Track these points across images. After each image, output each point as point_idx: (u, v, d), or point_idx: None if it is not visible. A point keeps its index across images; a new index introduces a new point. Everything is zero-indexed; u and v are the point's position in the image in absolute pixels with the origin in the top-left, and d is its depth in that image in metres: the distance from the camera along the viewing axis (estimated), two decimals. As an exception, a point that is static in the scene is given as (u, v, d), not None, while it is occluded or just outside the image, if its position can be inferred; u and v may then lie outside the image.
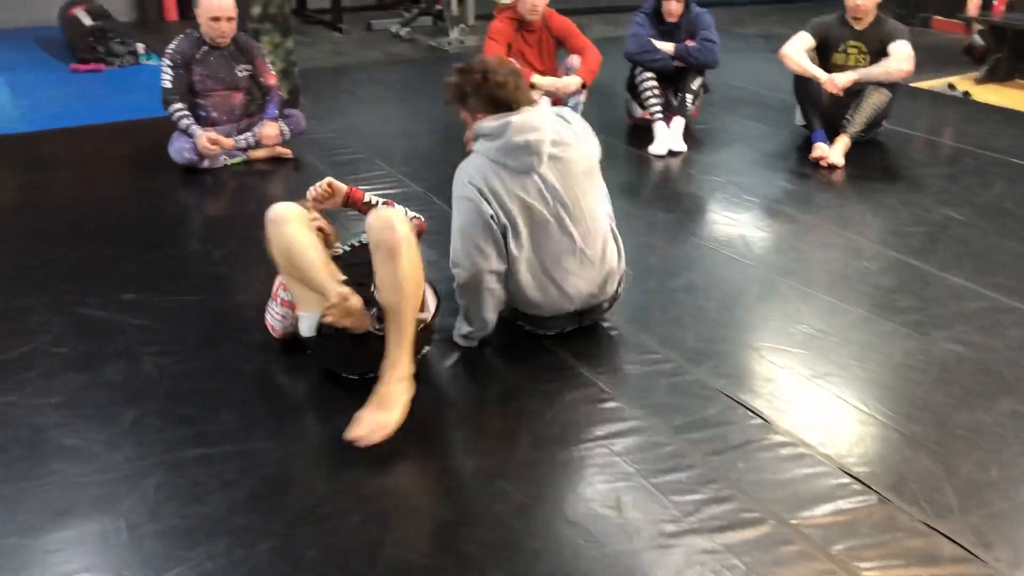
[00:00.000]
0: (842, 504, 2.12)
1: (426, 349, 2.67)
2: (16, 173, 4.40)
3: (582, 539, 2.00)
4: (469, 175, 2.57)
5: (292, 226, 2.48)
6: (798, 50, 4.60)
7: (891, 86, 4.56)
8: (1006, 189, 4.22)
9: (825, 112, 4.63)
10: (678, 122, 4.74)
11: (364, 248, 2.63)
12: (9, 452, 2.27)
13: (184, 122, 4.23)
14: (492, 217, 2.54)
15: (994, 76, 6.46)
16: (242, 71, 4.39)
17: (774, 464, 2.26)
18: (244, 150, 4.43)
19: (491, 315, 2.69)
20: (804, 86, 4.65)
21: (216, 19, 4.22)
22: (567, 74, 4.53)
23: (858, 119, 4.52)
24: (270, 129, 4.41)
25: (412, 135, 5.01)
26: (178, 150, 4.26)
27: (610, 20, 8.74)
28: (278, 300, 2.69)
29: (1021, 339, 2.86)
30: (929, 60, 6.59)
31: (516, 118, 2.55)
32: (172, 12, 8.48)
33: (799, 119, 4.88)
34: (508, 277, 2.65)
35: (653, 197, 4.28)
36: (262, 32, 5.13)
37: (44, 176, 4.36)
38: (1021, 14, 6.80)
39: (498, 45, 4.49)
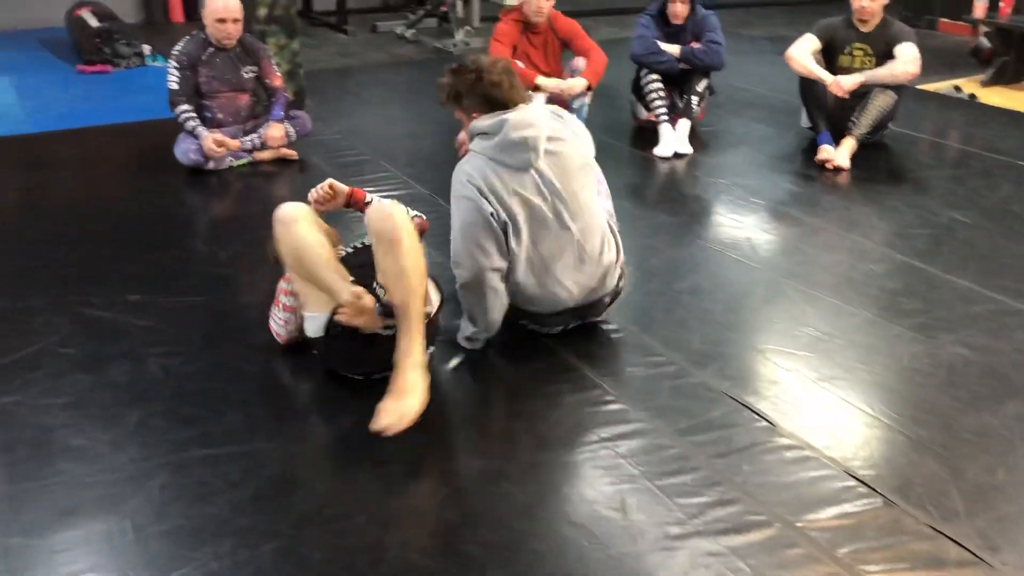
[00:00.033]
0: (847, 507, 2.11)
1: (431, 349, 2.67)
2: (22, 174, 4.41)
3: (586, 541, 2.00)
4: (468, 174, 2.58)
5: (301, 226, 2.49)
6: (804, 52, 4.59)
7: (897, 88, 4.56)
8: (1012, 191, 4.21)
9: (831, 114, 4.62)
10: (683, 124, 4.74)
11: (367, 249, 2.63)
12: (15, 452, 2.27)
13: (190, 124, 4.24)
14: (492, 215, 2.55)
15: (1000, 78, 6.45)
16: (248, 73, 4.40)
17: (779, 467, 2.25)
18: (250, 151, 4.43)
19: (495, 314, 2.69)
20: (810, 88, 4.65)
21: (222, 21, 4.23)
22: (572, 76, 4.53)
23: (864, 121, 4.51)
24: (276, 131, 4.42)
25: (417, 137, 5.01)
26: (184, 151, 4.27)
27: (616, 22, 8.74)
28: (280, 306, 2.70)
29: (1027, 342, 2.86)
30: (935, 62, 6.58)
31: (512, 115, 2.56)
32: (178, 14, 8.50)
33: (805, 121, 4.87)
34: (508, 274, 2.65)
35: (658, 199, 4.28)
36: (268, 34, 5.14)
37: (50, 177, 4.37)
38: (1028, 16, 6.79)
39: (503, 47, 4.49)
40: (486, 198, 2.55)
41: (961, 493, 2.16)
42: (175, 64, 4.26)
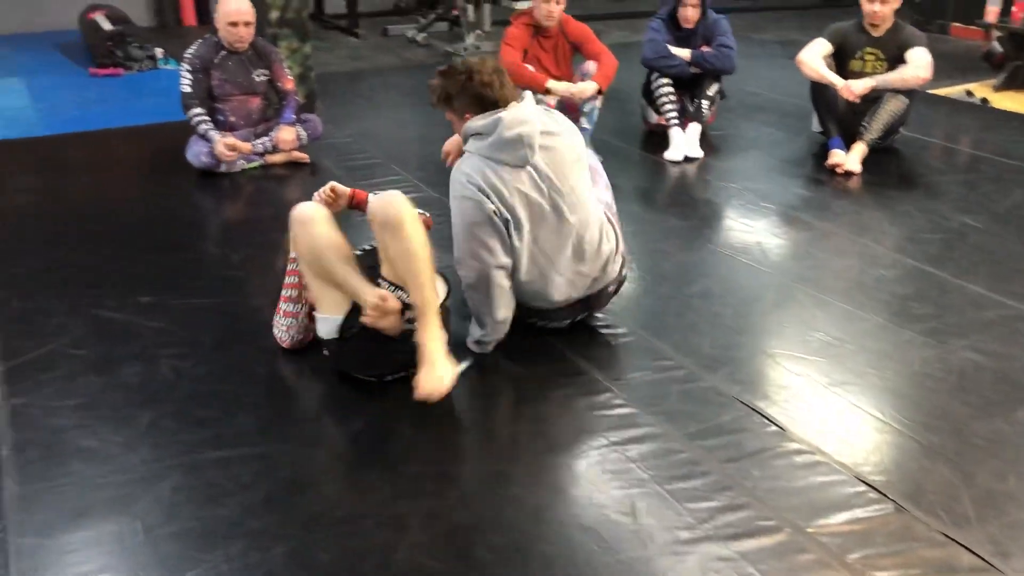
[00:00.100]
0: (858, 512, 2.10)
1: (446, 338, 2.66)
2: (35, 176, 4.44)
3: (596, 545, 2.00)
4: (466, 174, 2.59)
5: (320, 226, 2.51)
6: (815, 56, 4.59)
7: (908, 93, 4.54)
8: (1025, 197, 4.20)
9: (842, 119, 4.61)
10: (694, 128, 4.73)
11: (375, 252, 2.64)
12: (27, 453, 2.28)
13: (203, 127, 4.26)
14: (495, 212, 2.56)
15: (1013, 83, 6.42)
16: (260, 76, 4.42)
17: (789, 472, 2.25)
18: (261, 154, 4.45)
19: (502, 313, 2.69)
20: (821, 92, 4.64)
21: (234, 24, 4.25)
22: (583, 80, 4.53)
23: (875, 126, 4.50)
24: (287, 134, 4.44)
25: (428, 140, 5.01)
26: (195, 154, 4.29)
27: (627, 26, 8.74)
28: (282, 312, 2.71)
29: (1040, 348, 2.84)
30: (947, 67, 6.55)
31: (506, 114, 2.58)
32: (190, 17, 8.55)
33: (816, 126, 4.86)
34: (512, 272, 2.67)
35: (669, 203, 4.28)
36: (280, 37, 5.17)
37: (63, 179, 4.40)
38: (1040, 21, 6.76)
39: (514, 51, 4.50)
40: (487, 196, 2.56)
41: (972, 499, 2.15)
42: (188, 67, 4.28)
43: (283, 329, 2.73)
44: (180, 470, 2.22)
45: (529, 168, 2.60)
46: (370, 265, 2.58)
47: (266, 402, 2.54)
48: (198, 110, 4.26)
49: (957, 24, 8.46)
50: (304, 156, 4.56)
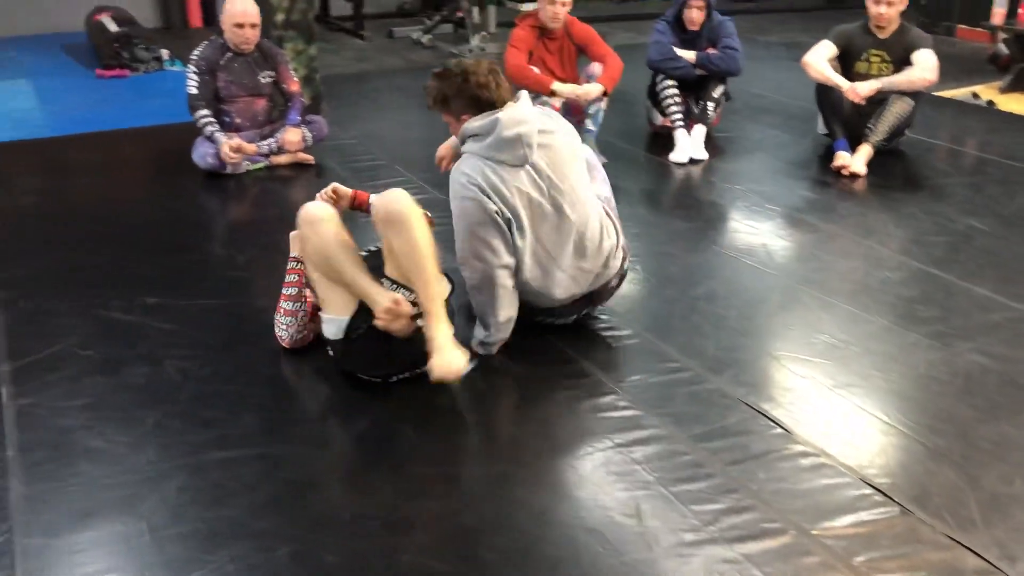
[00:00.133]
0: (863, 515, 2.10)
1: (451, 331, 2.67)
2: (42, 177, 4.45)
3: (600, 547, 2.00)
4: (467, 175, 2.60)
5: (328, 226, 2.52)
6: (820, 58, 4.58)
7: (914, 95, 4.54)
8: (1031, 199, 4.19)
9: (847, 121, 4.60)
10: (699, 130, 4.73)
11: (380, 253, 2.65)
12: (34, 453, 2.29)
13: (209, 129, 4.27)
14: (497, 212, 2.57)
15: (1019, 85, 6.40)
16: (265, 77, 4.43)
17: (795, 474, 2.25)
18: (266, 156, 4.46)
19: (506, 313, 2.69)
20: (826, 94, 4.63)
21: (240, 25, 4.26)
22: (588, 81, 4.53)
23: (880, 128, 4.49)
24: (292, 135, 4.45)
25: (432, 141, 4.95)
26: (201, 155, 4.30)
27: (632, 27, 8.74)
28: (282, 311, 2.72)
29: (1046, 351, 2.84)
30: (953, 69, 6.55)
31: (504, 114, 2.59)
32: (196, 18, 8.57)
33: (821, 128, 4.85)
34: (516, 271, 2.67)
35: (674, 205, 4.28)
36: (285, 39, 5.17)
37: (69, 180, 4.42)
38: (1047, 23, 6.75)
39: (519, 52, 4.50)
40: (488, 196, 2.57)
41: (978, 502, 2.14)
42: (194, 69, 4.29)
43: (283, 328, 2.74)
44: (186, 471, 2.23)
45: (528, 167, 2.61)
46: (374, 266, 2.59)
47: (271, 403, 2.55)
48: (204, 112, 4.27)
49: (963, 26, 8.44)
50: (309, 157, 4.56)
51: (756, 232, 3.79)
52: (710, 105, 4.79)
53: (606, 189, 2.98)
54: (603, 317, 3.02)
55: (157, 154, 4.82)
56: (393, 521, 2.07)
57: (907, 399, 2.59)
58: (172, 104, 5.39)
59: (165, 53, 6.85)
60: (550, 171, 2.64)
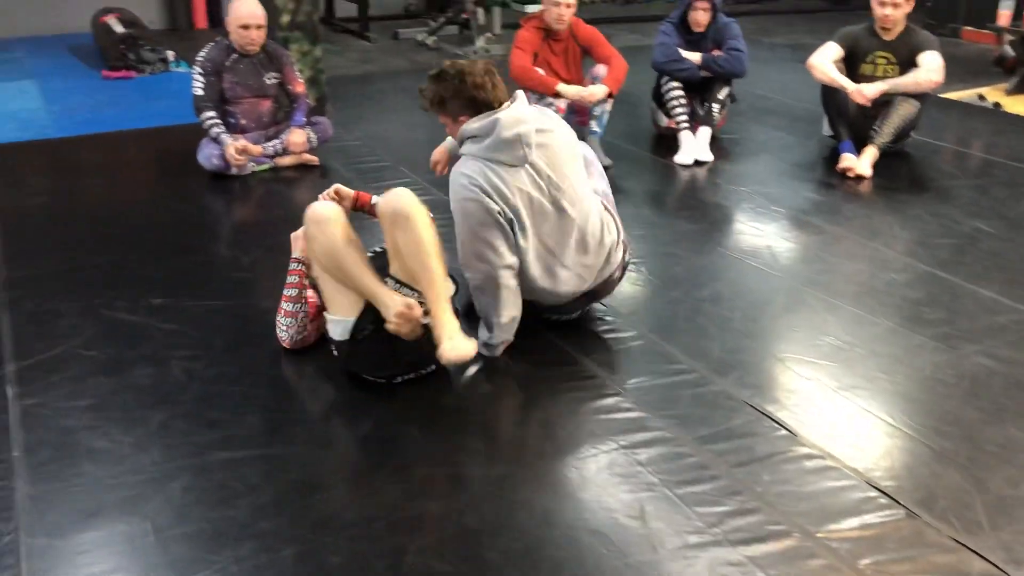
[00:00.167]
0: (869, 518, 2.09)
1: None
2: (47, 178, 4.47)
3: (605, 549, 1.99)
4: (468, 177, 2.60)
5: (336, 226, 2.52)
6: (826, 60, 4.57)
7: (920, 97, 4.53)
8: (1037, 201, 4.17)
9: (853, 123, 4.59)
10: (704, 132, 4.73)
11: (385, 254, 2.65)
12: (39, 454, 2.30)
13: (215, 130, 4.28)
14: (499, 213, 2.58)
15: (1025, 87, 6.39)
16: (271, 79, 4.44)
17: (800, 476, 2.24)
18: (271, 157, 4.47)
19: (510, 313, 2.69)
20: (832, 96, 4.62)
21: (246, 27, 4.27)
22: (593, 83, 4.53)
23: (886, 130, 4.48)
24: (297, 136, 4.45)
25: (437, 143, 4.98)
26: (207, 156, 4.31)
27: (637, 29, 8.74)
28: (283, 312, 2.72)
29: (1052, 353, 2.83)
30: (959, 71, 6.52)
31: (503, 115, 2.59)
32: (202, 20, 8.59)
33: (826, 129, 4.85)
34: (520, 270, 2.68)
35: (678, 207, 4.27)
36: (291, 40, 5.18)
37: (75, 181, 4.43)
38: (1053, 25, 6.73)
39: (524, 54, 4.50)
40: (490, 197, 2.57)
41: (985, 505, 2.14)
42: (200, 70, 4.30)
43: (283, 329, 2.74)
44: (190, 471, 2.23)
45: (527, 167, 2.62)
46: (379, 267, 2.59)
47: (276, 404, 2.55)
48: (210, 113, 4.28)
49: (969, 28, 8.42)
50: (314, 159, 4.57)
51: (761, 234, 3.78)
52: (715, 107, 4.78)
53: (603, 184, 3.00)
54: (608, 318, 3.02)
55: (162, 155, 4.83)
56: (397, 522, 2.07)
57: (913, 401, 2.58)
58: (177, 105, 5.40)
59: (171, 54, 6.87)
60: (549, 170, 2.65)
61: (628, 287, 3.28)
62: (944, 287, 3.28)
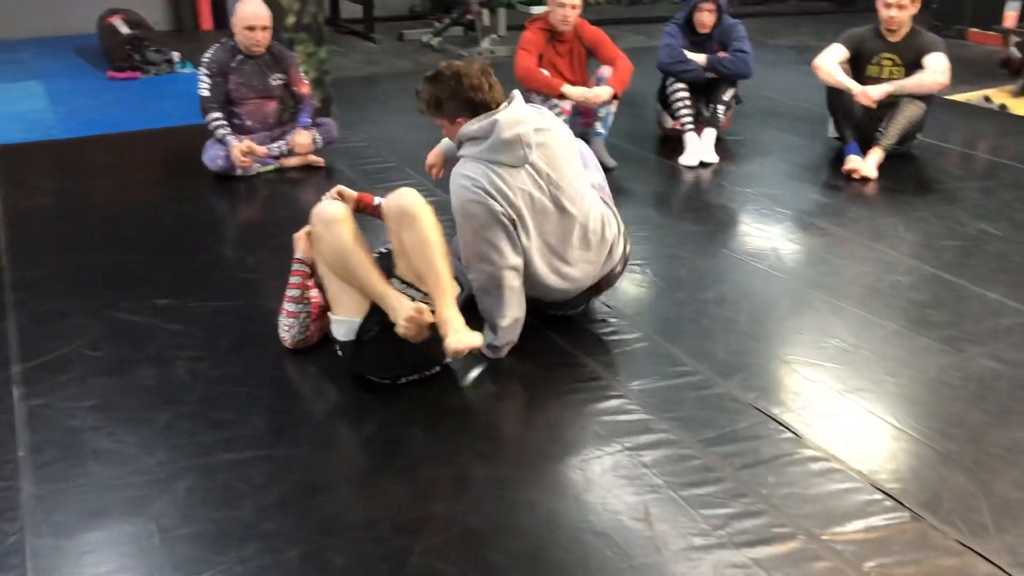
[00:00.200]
0: (874, 521, 2.09)
1: (448, 360, 2.68)
2: (53, 179, 4.47)
3: (609, 551, 1.99)
4: (469, 179, 2.60)
5: (344, 226, 2.52)
6: (831, 62, 4.57)
7: (926, 98, 4.52)
8: (1043, 203, 4.16)
9: (858, 124, 4.59)
10: (709, 133, 4.72)
11: (389, 255, 2.65)
12: (44, 454, 2.30)
13: (220, 132, 4.28)
14: (503, 214, 2.58)
15: (1031, 89, 6.37)
16: (276, 80, 4.44)
17: (805, 479, 2.24)
18: (277, 158, 4.47)
19: (513, 314, 2.69)
20: (837, 98, 4.62)
21: (251, 28, 4.28)
22: (598, 84, 4.53)
23: (892, 131, 4.47)
24: (303, 137, 4.46)
25: (443, 144, 5.02)
26: (212, 157, 4.31)
27: (642, 30, 8.74)
28: (285, 312, 2.73)
29: (1059, 356, 2.82)
30: (965, 72, 6.52)
31: (502, 116, 2.60)
32: (207, 21, 8.59)
33: (832, 131, 4.84)
34: (525, 269, 2.69)
35: (683, 208, 4.27)
36: (296, 41, 5.18)
37: (80, 182, 4.44)
38: (1059, 26, 6.71)
39: (529, 55, 4.50)
40: (493, 198, 2.58)
41: (991, 508, 2.13)
42: (206, 71, 4.31)
43: (285, 329, 2.75)
44: (195, 472, 2.23)
45: (527, 167, 2.62)
46: (384, 268, 2.59)
47: (280, 405, 2.55)
48: (216, 114, 4.29)
49: (975, 29, 8.41)
50: (319, 160, 4.57)
51: (766, 236, 3.78)
52: (720, 108, 4.78)
53: (599, 176, 3.02)
54: (612, 320, 3.02)
55: (167, 156, 4.84)
56: (401, 523, 2.07)
57: (918, 404, 2.57)
58: (183, 106, 5.41)
59: (176, 55, 6.88)
60: (549, 169, 2.66)
61: (632, 288, 3.28)
62: (950, 289, 3.27)
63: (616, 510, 2.12)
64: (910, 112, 4.47)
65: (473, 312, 2.84)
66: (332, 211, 2.55)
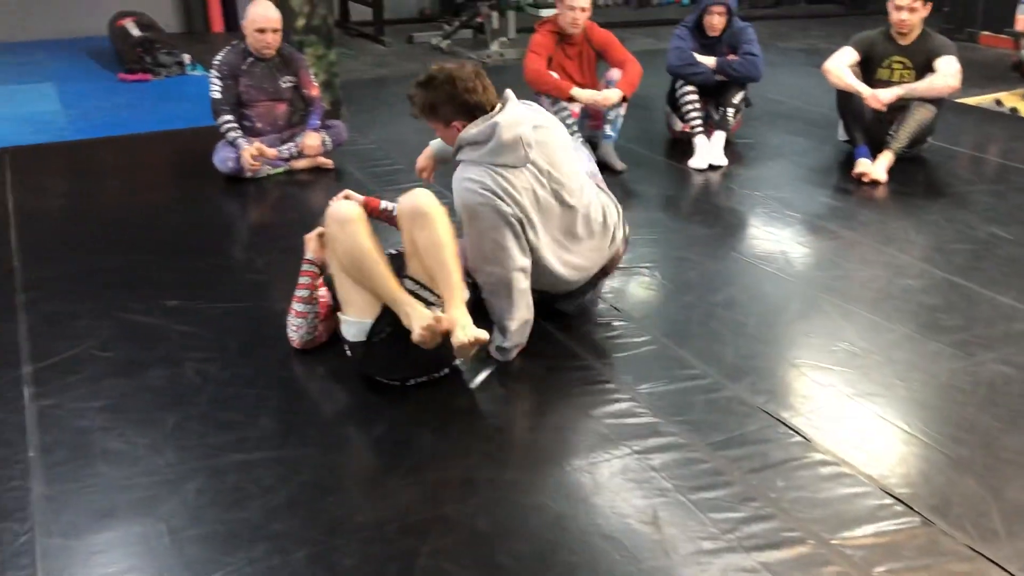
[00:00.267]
0: (884, 525, 2.08)
1: (457, 362, 2.68)
2: (64, 180, 4.50)
3: (618, 554, 1.99)
4: (476, 182, 2.60)
5: (359, 227, 2.52)
6: (841, 65, 4.56)
7: (936, 102, 4.50)
8: (1055, 207, 4.14)
9: (869, 128, 4.57)
10: (719, 136, 4.72)
11: (400, 256, 2.66)
12: (55, 454, 2.31)
13: (231, 134, 4.30)
14: (511, 215, 2.59)
15: (1043, 92, 6.34)
16: (286, 82, 4.46)
17: (814, 483, 2.23)
18: (286, 160, 4.49)
19: (522, 315, 2.69)
20: (848, 101, 4.60)
21: (261, 31, 4.29)
22: (607, 87, 4.53)
23: (902, 135, 4.46)
24: (312, 140, 4.47)
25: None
26: (222, 159, 4.33)
27: (652, 33, 8.74)
28: (293, 312, 2.74)
29: (1070, 361, 2.80)
30: (976, 76, 6.49)
31: (501, 118, 2.61)
32: (218, 24, 8.63)
33: (842, 134, 4.83)
34: (536, 266, 2.71)
35: (693, 211, 4.26)
36: (306, 44, 5.20)
37: (91, 183, 4.46)
38: (1071, 30, 6.68)
39: (539, 58, 4.50)
40: (501, 199, 2.58)
41: (1002, 513, 2.12)
42: (217, 74, 4.32)
43: (293, 329, 2.75)
44: (204, 473, 2.24)
45: (528, 165, 2.63)
46: (395, 269, 2.59)
47: (289, 406, 2.55)
48: (228, 117, 4.30)
49: (986, 32, 8.37)
50: (329, 162, 4.58)
51: (776, 239, 3.77)
52: (730, 111, 4.77)
53: (592, 165, 3.10)
54: (621, 323, 3.02)
55: (178, 158, 4.86)
56: (410, 525, 2.07)
57: (929, 408, 2.56)
58: (193, 108, 5.44)
59: (187, 58, 6.91)
60: (549, 166, 2.68)
61: (641, 291, 3.28)
62: (961, 293, 3.26)
63: (624, 513, 2.12)
64: (920, 115, 4.46)
65: (482, 316, 2.85)
66: (347, 211, 2.55)
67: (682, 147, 4.82)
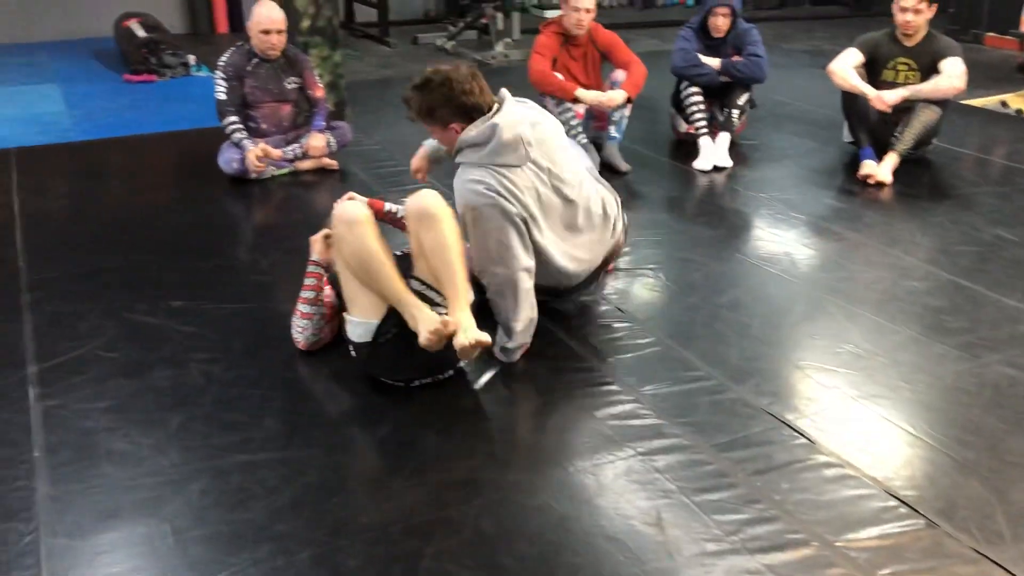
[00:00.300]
0: (888, 528, 2.08)
1: (462, 363, 2.68)
2: (69, 181, 4.51)
3: (622, 555, 1.99)
4: (480, 183, 2.61)
5: (366, 228, 2.53)
6: (846, 66, 4.55)
7: (941, 103, 4.49)
8: (1061, 209, 4.13)
9: (873, 129, 4.57)
10: (723, 137, 4.71)
11: (407, 258, 2.66)
12: (59, 455, 2.31)
13: (237, 136, 4.30)
14: (516, 214, 2.60)
15: (1048, 94, 6.33)
16: (291, 83, 4.46)
17: (819, 485, 2.22)
18: (291, 161, 4.49)
19: (527, 315, 2.70)
20: (852, 102, 4.60)
21: (266, 32, 4.30)
22: (612, 88, 4.53)
23: (907, 136, 4.45)
24: (317, 141, 4.47)
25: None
26: (227, 160, 4.33)
27: (656, 34, 8.73)
28: (299, 313, 2.74)
29: (1076, 363, 2.79)
30: (981, 77, 6.48)
31: (500, 119, 2.62)
32: (223, 25, 8.64)
33: (847, 136, 4.82)
34: (542, 262, 2.73)
35: (697, 212, 4.26)
36: (311, 45, 5.21)
37: (96, 184, 4.47)
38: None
39: (544, 59, 4.50)
40: (505, 199, 2.59)
41: (1006, 516, 2.11)
42: (222, 75, 4.33)
43: (299, 330, 2.75)
44: (209, 473, 2.24)
45: (529, 164, 2.64)
46: (402, 270, 2.59)
47: (293, 407, 2.56)
48: (233, 118, 4.31)
49: (991, 34, 8.36)
50: (334, 163, 4.59)
51: (780, 240, 3.76)
52: (734, 112, 4.77)
53: (586, 161, 3.15)
54: (625, 324, 3.01)
55: (183, 159, 4.87)
56: (414, 526, 2.07)
57: (934, 411, 2.56)
58: (198, 109, 5.45)
59: (192, 59, 6.92)
60: (548, 163, 2.70)
61: (646, 292, 3.28)
62: (966, 295, 3.25)
63: (628, 515, 2.12)
64: (926, 117, 4.45)
65: (486, 318, 2.85)
66: (355, 212, 2.55)
67: (686, 148, 4.82)
